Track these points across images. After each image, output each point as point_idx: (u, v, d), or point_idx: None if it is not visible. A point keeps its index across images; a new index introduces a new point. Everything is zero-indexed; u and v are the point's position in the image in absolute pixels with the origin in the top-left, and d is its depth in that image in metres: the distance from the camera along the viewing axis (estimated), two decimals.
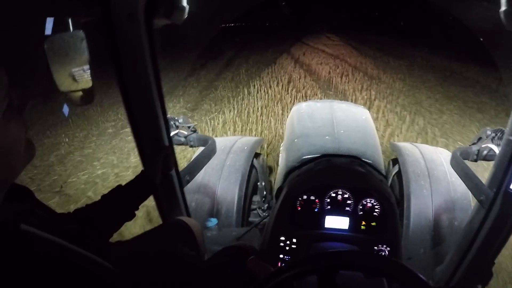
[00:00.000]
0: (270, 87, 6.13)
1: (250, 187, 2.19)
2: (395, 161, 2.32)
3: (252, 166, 2.21)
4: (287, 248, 1.42)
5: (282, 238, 1.43)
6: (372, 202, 1.40)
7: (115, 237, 1.07)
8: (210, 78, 7.54)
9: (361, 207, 1.42)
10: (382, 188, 1.42)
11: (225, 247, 1.27)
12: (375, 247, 1.39)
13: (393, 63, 8.85)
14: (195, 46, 9.20)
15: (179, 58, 8.46)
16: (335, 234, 1.44)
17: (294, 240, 1.42)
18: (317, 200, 1.46)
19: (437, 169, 2.00)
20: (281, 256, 1.44)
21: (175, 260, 1.08)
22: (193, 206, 1.94)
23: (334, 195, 1.45)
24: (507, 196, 1.01)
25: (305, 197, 1.46)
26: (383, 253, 1.39)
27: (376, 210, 1.41)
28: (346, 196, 1.44)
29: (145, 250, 1.11)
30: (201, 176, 2.04)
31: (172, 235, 1.25)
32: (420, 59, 9.17)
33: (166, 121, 1.24)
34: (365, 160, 1.67)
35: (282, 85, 6.19)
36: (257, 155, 2.38)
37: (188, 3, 1.14)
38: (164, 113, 1.21)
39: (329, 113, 2.10)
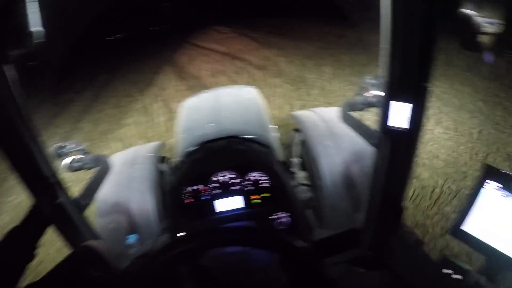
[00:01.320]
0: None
1: (162, 192, 2.11)
2: (298, 130, 2.36)
3: (160, 171, 2.16)
4: None
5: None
6: (257, 174, 1.42)
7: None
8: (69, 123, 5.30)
9: (248, 182, 1.43)
10: (264, 159, 1.46)
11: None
12: (274, 216, 1.40)
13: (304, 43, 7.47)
14: (63, 74, 6.46)
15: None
16: (231, 216, 1.45)
17: None
18: (202, 188, 1.46)
19: (337, 126, 2.07)
20: None
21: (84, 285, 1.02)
22: (111, 227, 1.84)
23: (217, 178, 1.46)
24: (387, 132, 1.06)
25: (190, 189, 1.46)
26: (283, 219, 1.40)
27: (265, 181, 1.43)
28: (230, 176, 1.45)
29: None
30: (112, 195, 1.93)
31: (81, 262, 1.16)
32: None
33: (43, 150, 1.15)
34: (247, 136, 1.71)
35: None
36: (163, 159, 2.31)
37: (43, 25, 1.05)
38: (38, 143, 1.13)
39: (215, 101, 2.12)
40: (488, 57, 0.95)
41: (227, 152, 1.59)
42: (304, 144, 2.12)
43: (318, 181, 1.89)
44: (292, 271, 0.89)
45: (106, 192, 1.89)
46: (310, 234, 1.55)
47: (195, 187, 1.47)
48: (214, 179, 1.47)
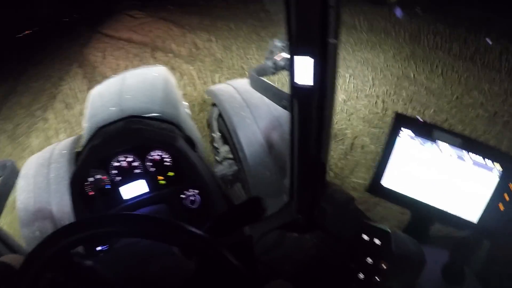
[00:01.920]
0: None
1: None
2: (215, 105, 2.29)
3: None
4: None
5: None
6: (158, 154, 1.34)
7: None
8: None
9: (150, 163, 1.34)
10: (166, 136, 1.38)
11: None
12: (182, 195, 1.34)
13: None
14: None
15: None
16: (138, 201, 1.37)
17: None
18: (103, 176, 1.38)
19: (253, 96, 2.05)
20: None
21: None
22: (37, 235, 1.71)
23: (117, 164, 1.37)
24: (295, 91, 1.04)
25: (91, 179, 1.37)
26: (192, 198, 1.36)
27: (167, 160, 1.35)
28: (130, 159, 1.37)
29: None
30: (32, 202, 1.78)
31: None
32: None
33: None
34: (147, 115, 1.61)
35: None
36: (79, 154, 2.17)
37: None
38: None
39: (119, 84, 1.98)
40: (398, 11, 0.96)
41: (123, 134, 1.46)
42: (222, 117, 2.11)
43: (240, 153, 1.88)
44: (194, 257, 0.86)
45: (25, 199, 1.75)
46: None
47: (97, 177, 1.37)
48: (114, 164, 1.38)
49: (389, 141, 1.12)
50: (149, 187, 1.30)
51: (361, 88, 3.72)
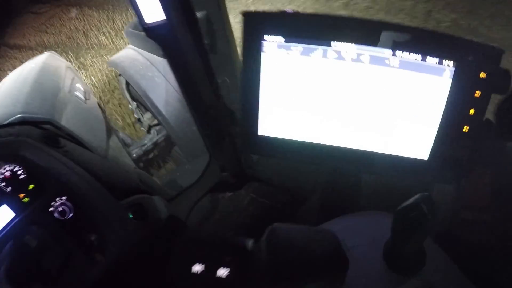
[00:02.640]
0: None
1: None
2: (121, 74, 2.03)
3: None
4: None
5: None
6: (7, 169, 1.02)
7: None
8: None
9: (2, 183, 1.00)
10: (4, 146, 1.07)
11: None
12: (51, 208, 1.07)
13: None
14: None
15: None
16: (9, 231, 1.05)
17: None
18: None
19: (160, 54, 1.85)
20: None
21: None
22: None
23: None
24: (148, 32, 0.84)
25: None
26: (61, 208, 1.05)
27: (20, 173, 1.04)
28: None
29: None
30: None
31: None
32: None
33: None
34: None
35: None
36: None
37: None
38: None
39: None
40: None
41: None
42: (132, 85, 1.92)
43: (159, 116, 1.73)
44: None
45: None
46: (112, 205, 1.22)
47: None
48: None
49: (247, 65, 0.71)
50: (14, 210, 1.01)
51: None
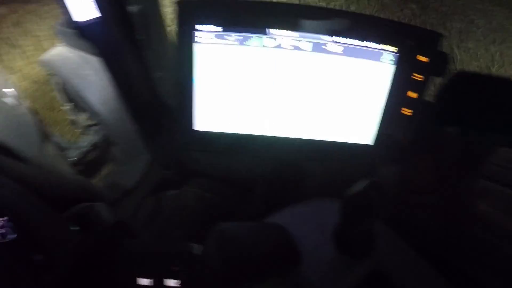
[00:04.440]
0: None
1: None
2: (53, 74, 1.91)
3: None
4: None
5: None
6: None
7: None
8: None
9: None
10: None
11: None
12: None
13: None
14: None
15: None
16: None
17: None
18: None
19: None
20: None
21: None
22: None
23: None
24: (80, 30, 0.83)
25: None
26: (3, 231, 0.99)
27: None
28: None
29: None
30: None
31: None
32: None
33: None
34: None
35: None
36: None
37: None
38: None
39: None
40: None
41: None
42: (65, 84, 1.82)
43: (95, 116, 1.66)
44: None
45: None
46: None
47: None
48: None
49: (181, 56, 0.68)
50: None
51: None
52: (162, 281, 0.52)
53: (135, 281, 0.52)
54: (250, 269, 0.54)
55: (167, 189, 1.18)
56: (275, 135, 0.74)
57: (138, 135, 1.60)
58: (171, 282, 0.52)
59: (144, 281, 0.52)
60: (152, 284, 0.52)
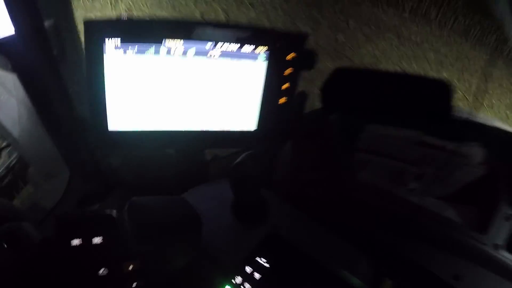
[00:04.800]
0: None
1: None
2: None
3: None
4: None
5: None
6: None
7: None
8: None
9: None
10: None
11: None
12: None
13: None
14: None
15: None
16: None
17: None
18: None
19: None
20: None
21: None
22: None
23: None
24: None
25: None
26: None
27: None
28: None
29: None
30: None
31: None
32: None
33: None
34: None
35: None
36: None
37: None
38: None
39: None
40: None
41: None
42: None
43: (8, 137, 1.65)
44: None
45: None
46: None
47: None
48: None
49: (91, 66, 0.76)
50: None
51: None
52: (90, 239, 0.64)
53: (69, 244, 0.64)
54: (156, 231, 0.69)
55: (92, 204, 1.21)
56: (177, 129, 0.88)
57: (57, 153, 1.62)
58: (96, 239, 0.65)
59: (75, 242, 0.64)
60: (81, 242, 0.64)
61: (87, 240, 0.65)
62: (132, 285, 0.67)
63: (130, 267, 0.67)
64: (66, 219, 0.68)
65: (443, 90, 1.03)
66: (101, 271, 0.65)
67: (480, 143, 1.21)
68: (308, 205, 1.03)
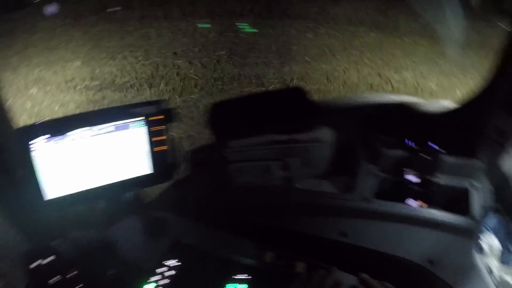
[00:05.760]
0: None
1: None
2: None
3: None
4: None
5: None
6: None
7: None
8: None
9: None
10: None
11: None
12: None
13: None
14: None
15: None
16: None
17: None
18: None
19: None
20: None
21: None
22: None
23: None
24: None
25: None
26: None
27: None
28: None
29: None
30: None
31: None
32: None
33: None
34: None
35: None
36: None
37: None
38: None
39: None
40: None
41: None
42: None
43: None
44: None
45: None
46: None
47: None
48: None
49: (27, 158, 1.04)
50: None
51: None
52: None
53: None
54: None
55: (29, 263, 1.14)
56: (99, 185, 1.17)
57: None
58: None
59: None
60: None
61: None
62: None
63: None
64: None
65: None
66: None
67: (328, 126, 1.62)
68: (204, 214, 1.32)
